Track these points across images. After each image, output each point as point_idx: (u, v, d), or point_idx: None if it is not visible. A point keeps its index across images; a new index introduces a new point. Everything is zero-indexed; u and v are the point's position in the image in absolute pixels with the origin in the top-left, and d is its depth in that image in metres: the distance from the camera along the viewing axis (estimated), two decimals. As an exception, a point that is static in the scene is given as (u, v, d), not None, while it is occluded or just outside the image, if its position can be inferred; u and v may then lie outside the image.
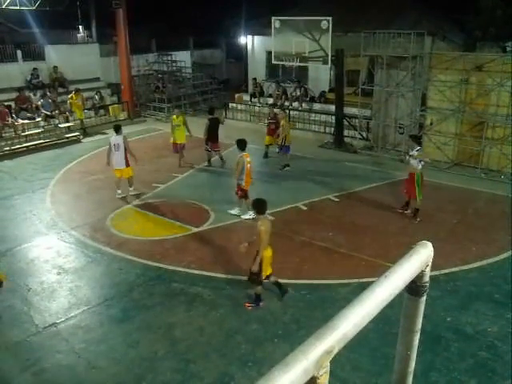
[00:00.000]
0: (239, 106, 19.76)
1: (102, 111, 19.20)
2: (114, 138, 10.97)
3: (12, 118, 16.11)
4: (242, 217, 9.99)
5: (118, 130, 11.06)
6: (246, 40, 22.17)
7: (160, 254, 8.61)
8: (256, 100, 19.89)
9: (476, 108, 12.85)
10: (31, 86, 18.14)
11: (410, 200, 10.08)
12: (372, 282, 1.23)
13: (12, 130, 15.88)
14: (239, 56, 25.01)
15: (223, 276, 7.82)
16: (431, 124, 13.80)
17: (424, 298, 1.44)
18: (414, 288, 1.41)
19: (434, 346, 6.02)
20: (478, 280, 7.68)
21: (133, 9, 19.07)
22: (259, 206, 6.74)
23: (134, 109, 20.20)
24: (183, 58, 23.28)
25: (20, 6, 18.35)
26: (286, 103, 18.68)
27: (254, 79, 20.40)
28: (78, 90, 17.71)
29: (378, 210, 10.48)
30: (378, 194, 11.47)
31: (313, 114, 17.61)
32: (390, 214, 10.23)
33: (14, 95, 17.19)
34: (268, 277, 6.88)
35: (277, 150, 13.40)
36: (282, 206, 10.65)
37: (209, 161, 13.59)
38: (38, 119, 16.88)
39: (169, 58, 22.50)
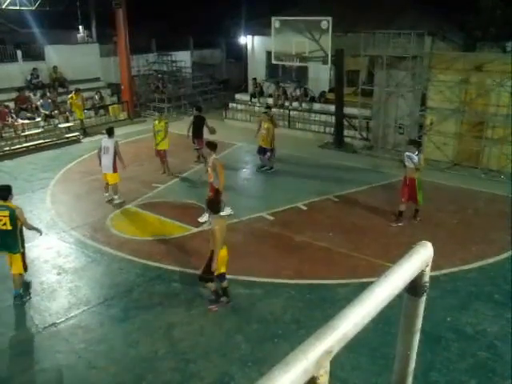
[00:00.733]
0: (239, 106, 19.75)
1: (101, 111, 19.20)
2: (105, 141, 10.76)
3: (12, 118, 16.11)
4: (200, 219, 9.76)
5: (110, 133, 10.82)
6: (245, 40, 22.16)
7: (160, 254, 8.61)
8: (256, 100, 19.89)
9: (476, 108, 12.86)
10: (31, 86, 18.14)
11: (403, 211, 9.65)
12: (372, 282, 1.23)
13: (12, 129, 15.88)
14: (239, 56, 25.00)
15: (223, 276, 7.81)
16: (431, 124, 13.81)
17: (424, 298, 1.44)
18: (413, 288, 1.41)
19: (434, 345, 6.03)
20: (477, 280, 7.68)
21: (133, 9, 19.07)
22: (213, 206, 6.71)
23: (134, 109, 20.20)
24: (183, 57, 23.28)
25: (20, 6, 18.38)
26: (286, 103, 18.67)
27: (254, 79, 20.39)
28: (77, 90, 17.71)
29: (378, 210, 10.48)
30: (378, 194, 11.47)
31: (313, 114, 17.61)
32: (389, 214, 10.22)
33: (13, 95, 17.20)
34: (221, 276, 6.84)
35: (268, 153, 12.85)
36: (281, 206, 10.66)
37: (198, 157, 13.73)
38: (37, 119, 16.87)
39: (169, 58, 22.50)
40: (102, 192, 11.25)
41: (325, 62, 14.92)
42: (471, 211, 10.44)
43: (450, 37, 16.42)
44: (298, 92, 18.70)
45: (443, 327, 6.43)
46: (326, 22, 14.20)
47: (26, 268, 7.23)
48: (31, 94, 17.80)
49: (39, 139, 15.97)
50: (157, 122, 12.74)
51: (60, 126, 17.01)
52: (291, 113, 17.79)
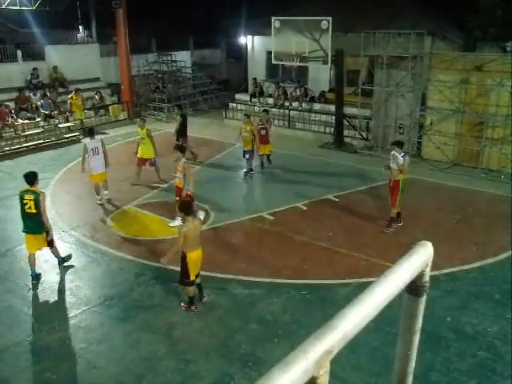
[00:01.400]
0: (239, 106, 19.75)
1: (101, 111, 19.21)
2: (91, 142, 10.52)
3: (12, 118, 16.12)
4: (171, 224, 9.52)
5: (92, 133, 10.76)
6: (245, 40, 22.16)
7: (160, 254, 8.59)
8: (256, 100, 19.89)
9: (476, 108, 12.86)
10: (31, 86, 18.14)
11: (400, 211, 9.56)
12: (372, 282, 1.23)
13: (12, 130, 15.89)
14: (239, 56, 25.00)
15: (223, 276, 7.81)
16: (431, 124, 13.81)
17: (424, 298, 1.44)
18: (413, 288, 1.41)
19: (434, 345, 6.03)
20: (477, 280, 7.68)
21: (133, 9, 19.07)
22: (184, 208, 6.65)
23: (134, 109, 20.20)
24: (183, 58, 23.29)
25: (20, 6, 18.34)
26: (286, 103, 18.68)
27: (254, 79, 20.40)
28: (77, 90, 17.72)
29: (378, 210, 10.48)
30: (378, 193, 11.46)
31: (313, 114, 17.60)
32: (389, 214, 10.22)
33: (14, 95, 17.20)
34: (196, 276, 6.86)
35: (246, 155, 12.66)
36: (282, 206, 10.66)
37: (191, 152, 13.87)
38: (37, 119, 16.88)
39: (169, 58, 22.50)
40: (101, 192, 11.26)
41: (325, 62, 14.93)
42: (471, 211, 10.44)
43: (450, 37, 16.43)
44: (298, 92, 18.71)
45: (443, 327, 6.43)
46: (325, 22, 14.21)
47: (52, 243, 7.84)
48: (31, 94, 17.81)
49: (39, 139, 15.98)
50: (139, 128, 12.00)
51: (60, 125, 17.02)
52: (291, 113, 17.79)
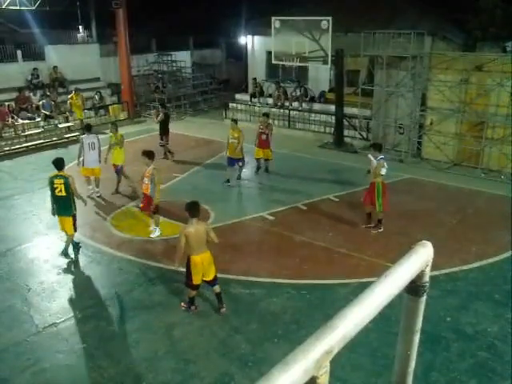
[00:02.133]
0: (239, 106, 19.76)
1: (101, 111, 19.21)
2: (88, 137, 10.94)
3: (12, 118, 16.11)
4: (152, 235, 9.20)
5: (89, 129, 11.24)
6: (245, 40, 22.15)
7: (160, 254, 8.61)
8: (256, 100, 19.89)
9: (476, 108, 12.86)
10: (31, 86, 18.14)
11: (371, 212, 9.52)
12: (372, 282, 1.23)
13: (12, 130, 15.89)
14: (239, 56, 25.00)
15: (223, 276, 7.79)
16: (431, 124, 13.81)
17: (424, 298, 1.44)
18: (414, 288, 1.41)
19: (434, 345, 6.03)
20: (478, 280, 7.68)
21: (133, 9, 19.07)
22: (191, 209, 6.51)
23: (134, 109, 20.20)
24: (183, 57, 23.28)
25: (20, 6, 18.34)
26: (286, 103, 18.67)
27: (254, 79, 20.39)
28: (77, 90, 17.72)
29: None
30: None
31: (313, 114, 17.60)
32: (389, 214, 10.22)
33: (14, 95, 17.20)
34: (212, 283, 6.71)
35: (239, 163, 12.11)
36: (281, 206, 10.66)
37: (165, 153, 14.05)
38: (37, 119, 16.88)
39: (169, 58, 22.50)
40: (103, 191, 11.32)
41: (325, 62, 14.94)
42: (471, 211, 10.44)
43: (450, 37, 16.42)
44: (298, 92, 18.70)
45: (443, 327, 6.43)
46: (325, 22, 14.21)
47: (75, 229, 8.43)
48: (31, 94, 17.80)
49: (39, 139, 15.97)
50: (112, 134, 11.56)
51: (60, 125, 17.02)
52: (291, 113, 17.79)
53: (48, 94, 17.81)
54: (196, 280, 6.58)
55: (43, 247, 8.93)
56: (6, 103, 16.26)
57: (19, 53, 18.34)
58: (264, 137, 12.49)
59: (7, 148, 15.15)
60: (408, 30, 13.40)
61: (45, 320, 6.72)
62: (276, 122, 18.10)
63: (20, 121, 16.35)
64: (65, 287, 7.57)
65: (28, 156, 14.86)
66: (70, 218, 8.24)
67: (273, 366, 0.96)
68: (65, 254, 8.45)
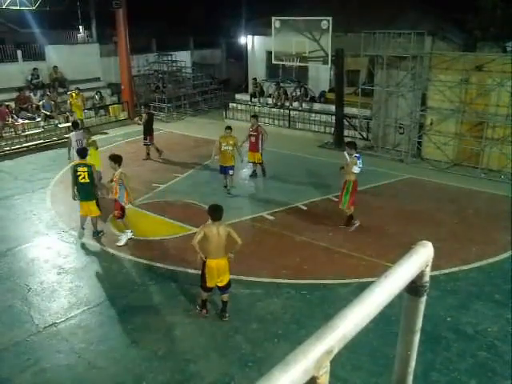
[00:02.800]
0: (239, 106, 19.77)
1: (102, 111, 19.21)
2: (76, 135, 11.42)
3: (12, 117, 16.12)
4: (118, 244, 8.89)
5: (76, 126, 11.89)
6: (246, 40, 22.16)
7: (160, 254, 8.61)
8: (256, 100, 19.89)
9: (476, 108, 12.86)
10: (31, 86, 18.14)
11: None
12: (372, 282, 1.23)
13: (12, 129, 15.89)
14: (239, 56, 25.01)
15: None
16: (431, 124, 13.81)
17: (424, 298, 1.44)
18: (414, 288, 1.40)
19: (434, 345, 6.03)
20: (477, 280, 7.68)
21: (133, 9, 19.07)
22: (212, 212, 6.32)
23: (134, 109, 20.20)
24: (183, 58, 23.28)
25: (20, 6, 18.32)
26: (286, 103, 18.68)
27: (254, 79, 20.40)
28: (78, 89, 17.72)
29: (378, 209, 10.48)
30: (378, 193, 11.47)
31: (313, 114, 17.60)
32: (389, 214, 10.23)
33: (14, 95, 17.19)
34: (223, 289, 6.55)
35: (230, 172, 11.40)
36: (282, 206, 10.66)
37: (148, 154, 14.07)
38: (37, 119, 16.88)
39: (169, 57, 22.50)
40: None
41: (325, 62, 14.95)
42: (471, 211, 10.44)
43: (450, 37, 16.44)
44: (298, 92, 18.71)
45: (443, 327, 6.43)
46: (326, 22, 14.22)
47: (99, 210, 9.15)
48: (31, 94, 17.80)
49: (39, 139, 15.97)
50: (85, 140, 11.16)
51: (60, 126, 17.02)
52: (291, 113, 17.79)
53: (48, 93, 17.80)
54: (210, 283, 6.45)
55: (43, 247, 8.93)
56: (6, 103, 16.27)
57: (19, 53, 18.33)
58: (253, 139, 12.12)
59: (7, 148, 15.15)
60: (408, 30, 13.41)
61: (45, 320, 6.72)
62: (276, 121, 18.13)
63: (20, 121, 16.35)
64: (65, 287, 7.57)
65: (28, 156, 14.86)
66: (94, 202, 9.06)
67: (273, 366, 0.96)
68: (96, 233, 9.19)
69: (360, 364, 5.73)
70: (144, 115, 14.12)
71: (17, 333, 6.46)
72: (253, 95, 20.19)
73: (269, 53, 18.10)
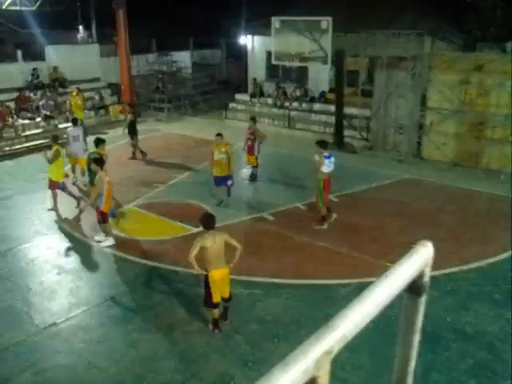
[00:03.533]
0: (239, 106, 19.76)
1: (101, 111, 19.20)
2: (73, 130, 11.96)
3: (12, 118, 16.11)
4: (102, 244, 8.84)
5: (75, 122, 12.39)
6: (245, 40, 22.15)
7: (160, 253, 8.61)
8: (256, 100, 19.89)
9: (476, 108, 12.86)
10: (31, 86, 18.13)
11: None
12: (372, 282, 1.23)
13: (12, 130, 15.87)
14: (239, 56, 24.98)
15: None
16: (431, 124, 13.81)
17: (424, 298, 1.44)
18: (414, 288, 1.40)
19: (434, 346, 6.03)
20: (477, 280, 7.68)
21: (133, 9, 19.06)
22: (204, 221, 6.13)
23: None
24: (183, 58, 23.27)
25: (20, 6, 18.36)
26: (286, 103, 18.68)
27: (254, 79, 20.39)
28: (77, 89, 17.72)
29: (378, 210, 10.49)
30: (378, 194, 11.48)
31: (313, 114, 17.61)
32: (389, 214, 10.23)
33: (14, 95, 17.18)
34: (227, 300, 6.42)
35: (229, 182, 10.68)
36: (282, 206, 10.66)
37: (134, 153, 14.10)
38: (38, 119, 16.87)
39: (169, 58, 22.49)
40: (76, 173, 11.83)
41: (325, 62, 14.93)
42: (471, 211, 10.44)
43: (450, 37, 16.42)
44: (298, 92, 18.71)
45: (443, 327, 6.43)
46: (325, 22, 14.21)
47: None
48: (31, 94, 17.79)
49: (39, 139, 15.95)
50: (57, 146, 10.59)
51: (60, 126, 17.00)
52: (291, 113, 17.79)
53: (48, 94, 17.80)
54: (216, 298, 6.21)
55: (43, 247, 8.93)
56: (6, 103, 16.26)
57: (19, 53, 18.31)
58: (249, 142, 11.98)
59: (7, 148, 15.13)
60: (408, 31, 13.41)
61: (45, 320, 6.72)
62: (276, 121, 18.13)
63: (20, 121, 16.34)
64: (65, 287, 7.57)
65: (28, 156, 14.84)
66: None
67: (273, 366, 0.96)
68: (112, 214, 9.52)
69: (360, 364, 5.73)
70: (129, 116, 14.15)
71: (17, 333, 6.45)
72: (253, 95, 20.18)
73: (269, 53, 18.08)
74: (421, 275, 1.39)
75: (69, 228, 9.71)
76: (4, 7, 17.66)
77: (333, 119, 16.10)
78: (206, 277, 6.17)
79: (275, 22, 15.36)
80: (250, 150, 12.14)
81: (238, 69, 25.23)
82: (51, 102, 17.38)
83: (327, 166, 9.14)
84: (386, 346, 5.72)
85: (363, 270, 7.83)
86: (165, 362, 5.89)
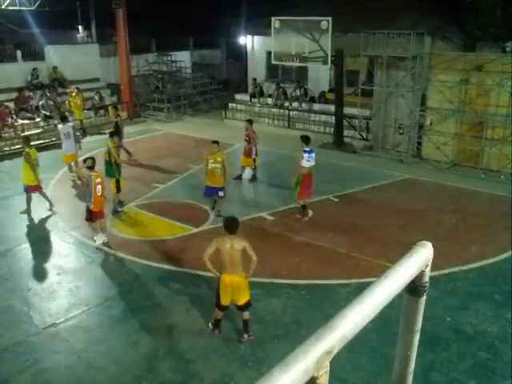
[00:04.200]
0: (239, 106, 19.76)
1: (101, 111, 19.19)
2: (63, 128, 12.12)
3: (12, 118, 16.10)
4: (96, 242, 8.86)
5: (64, 119, 12.49)
6: (245, 40, 22.14)
7: (160, 254, 8.61)
8: (256, 100, 19.89)
9: (476, 108, 12.86)
10: (31, 86, 18.13)
11: (304, 205, 9.89)
12: (372, 282, 1.23)
13: (12, 130, 15.87)
14: (239, 56, 24.98)
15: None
16: (431, 124, 13.81)
17: (424, 298, 1.44)
18: (413, 288, 1.41)
19: (434, 346, 6.02)
20: (478, 280, 7.68)
21: (133, 9, 19.06)
22: (228, 226, 6.06)
23: (134, 109, 20.19)
24: (183, 58, 23.26)
25: (20, 6, 18.33)
26: (286, 103, 18.67)
27: (254, 79, 20.38)
28: (77, 89, 17.73)
29: (378, 210, 10.49)
30: (378, 194, 11.47)
31: (313, 114, 17.59)
32: (389, 214, 10.23)
33: (14, 95, 17.18)
34: (242, 308, 6.19)
35: (219, 193, 10.00)
36: (281, 206, 10.65)
37: (127, 151, 13.78)
38: (37, 119, 16.87)
39: (168, 58, 22.48)
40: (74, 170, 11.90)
41: (325, 62, 14.94)
42: (471, 211, 10.43)
43: (449, 37, 16.41)
44: (298, 92, 18.70)
45: (443, 327, 6.43)
46: (325, 22, 14.21)
47: (118, 190, 10.17)
48: (31, 94, 17.79)
49: (39, 139, 15.95)
50: (28, 149, 10.20)
51: (59, 126, 16.99)
52: (291, 113, 17.78)
53: (48, 94, 17.79)
54: (224, 301, 6.10)
55: (43, 247, 8.92)
56: (6, 103, 16.26)
57: (19, 53, 18.32)
58: (246, 145, 12.04)
59: (7, 148, 15.13)
60: (408, 30, 13.40)
61: (45, 320, 6.71)
62: (276, 122, 18.13)
63: (20, 121, 16.34)
64: (65, 287, 7.56)
65: (28, 156, 14.83)
66: (113, 180, 10.01)
67: (273, 366, 0.96)
68: (116, 211, 10.16)
69: (360, 364, 5.73)
70: (118, 118, 14.19)
71: (16, 333, 6.45)
72: (252, 95, 20.18)
73: (269, 53, 18.08)
74: (420, 275, 1.39)
75: (69, 228, 9.70)
76: (3, 7, 17.61)
77: (333, 119, 16.10)
78: (219, 279, 6.10)
79: (275, 21, 15.37)
80: (245, 152, 12.19)
81: (237, 69, 25.23)
82: (51, 102, 17.37)
83: (306, 161, 9.53)
84: (386, 346, 5.73)
85: (363, 270, 7.83)
86: (165, 362, 5.88)
